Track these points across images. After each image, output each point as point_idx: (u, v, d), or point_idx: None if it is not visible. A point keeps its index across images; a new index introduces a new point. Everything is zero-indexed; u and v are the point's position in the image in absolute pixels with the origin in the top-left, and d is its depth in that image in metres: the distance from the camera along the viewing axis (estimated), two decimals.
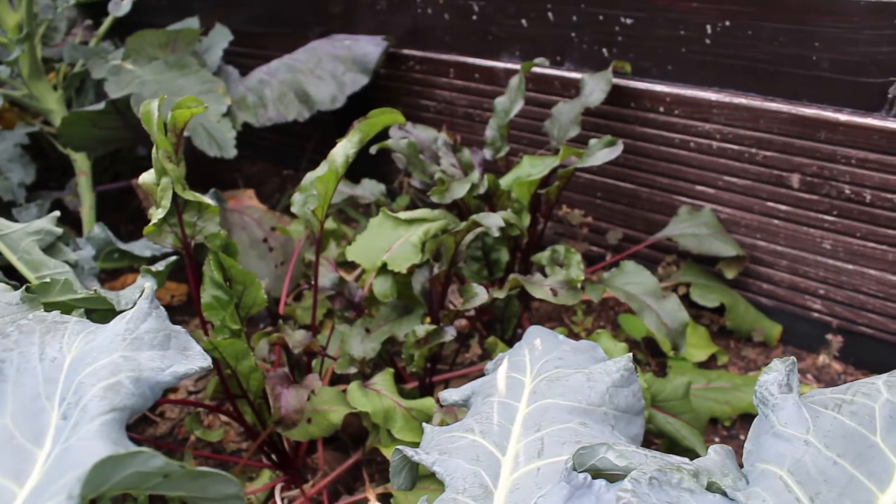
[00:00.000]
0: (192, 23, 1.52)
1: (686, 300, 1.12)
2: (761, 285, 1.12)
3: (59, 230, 1.01)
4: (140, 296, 0.80)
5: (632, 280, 0.95)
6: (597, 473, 0.49)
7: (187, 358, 0.52)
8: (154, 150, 0.82)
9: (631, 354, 0.60)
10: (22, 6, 1.34)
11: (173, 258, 0.95)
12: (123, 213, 1.62)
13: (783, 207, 1.05)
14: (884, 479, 0.48)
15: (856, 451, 0.49)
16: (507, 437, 0.54)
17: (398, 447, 0.54)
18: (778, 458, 0.49)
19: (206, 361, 0.53)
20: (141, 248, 1.08)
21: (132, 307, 0.58)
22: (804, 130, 0.99)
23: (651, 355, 1.10)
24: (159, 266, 0.92)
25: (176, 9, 1.71)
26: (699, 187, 1.11)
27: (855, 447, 0.49)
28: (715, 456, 0.52)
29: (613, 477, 0.49)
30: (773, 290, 1.11)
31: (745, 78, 1.02)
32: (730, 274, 1.10)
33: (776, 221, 1.06)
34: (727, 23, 1.01)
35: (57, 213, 1.02)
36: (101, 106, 1.24)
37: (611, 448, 0.48)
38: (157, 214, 0.84)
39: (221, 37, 1.50)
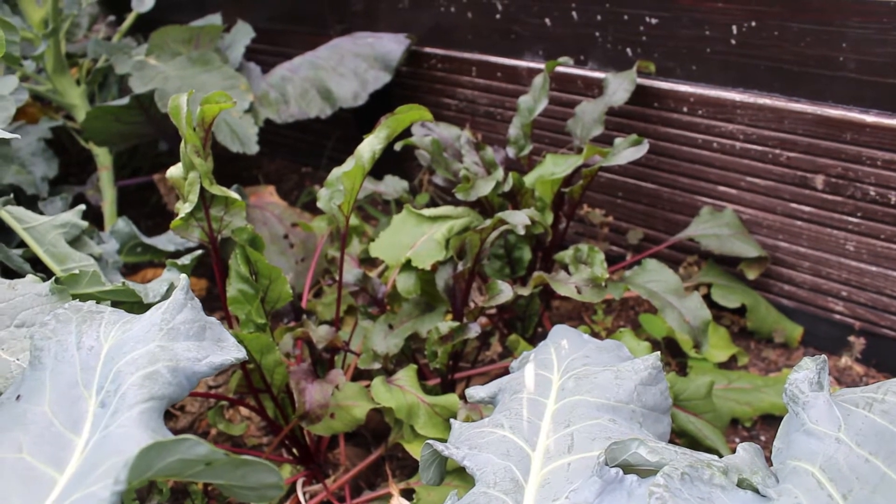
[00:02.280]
0: (215, 19, 1.54)
1: (707, 300, 1.12)
2: (783, 287, 1.12)
3: (85, 223, 1.02)
4: (173, 287, 0.81)
5: (654, 278, 0.95)
6: (628, 469, 0.50)
7: (222, 349, 0.53)
8: (182, 144, 0.83)
9: (658, 353, 0.61)
10: (48, 2, 1.35)
11: (199, 252, 0.96)
12: (143, 207, 1.64)
13: (806, 209, 1.05)
14: None
15: (888, 450, 0.49)
16: (537, 432, 0.55)
17: (428, 441, 0.55)
18: (810, 456, 0.50)
19: (241, 353, 0.54)
20: (164, 242, 1.10)
21: (167, 298, 0.58)
22: (829, 131, 0.99)
23: (671, 355, 1.10)
24: (185, 260, 0.93)
25: (197, 5, 1.72)
26: (721, 188, 1.11)
27: (887, 445, 0.50)
28: (744, 454, 0.53)
29: (644, 473, 0.50)
30: (794, 291, 1.11)
31: (769, 78, 1.02)
32: (751, 275, 1.10)
33: (799, 223, 1.06)
34: (753, 23, 1.01)
35: (82, 207, 1.03)
36: (125, 101, 1.25)
37: (643, 443, 0.49)
38: (184, 209, 0.85)
39: (244, 34, 1.51)
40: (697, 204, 1.14)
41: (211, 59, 1.37)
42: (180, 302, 0.55)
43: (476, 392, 0.64)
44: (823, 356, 0.53)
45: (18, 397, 0.50)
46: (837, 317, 1.08)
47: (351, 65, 1.35)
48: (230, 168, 1.73)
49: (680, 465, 0.47)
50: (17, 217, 0.99)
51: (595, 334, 1.13)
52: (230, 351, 0.53)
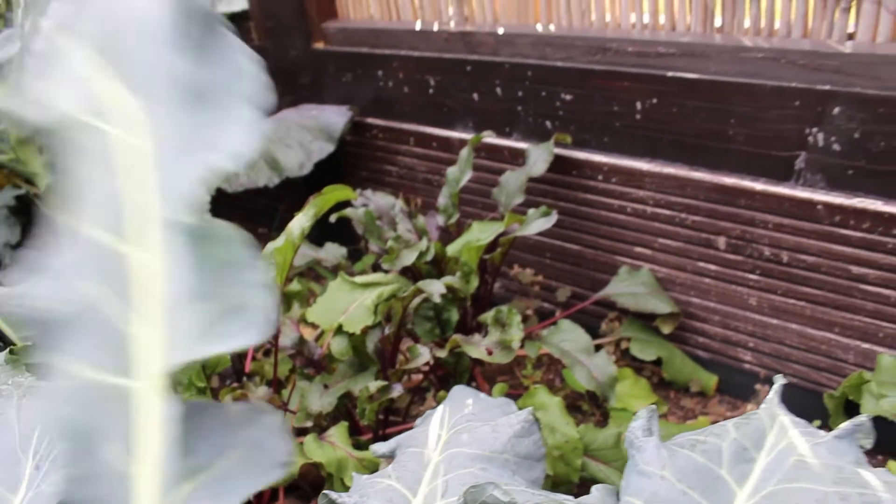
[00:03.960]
0: None
1: (628, 354, 1.24)
2: (697, 339, 1.24)
3: None
4: None
5: (567, 337, 1.08)
6: None
7: None
8: None
9: (531, 409, 0.73)
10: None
11: None
12: None
13: (712, 267, 1.18)
14: (733, 489, 0.60)
15: (704, 484, 0.61)
16: (419, 481, 0.67)
17: (324, 492, 0.66)
18: (639, 492, 0.61)
19: None
20: None
21: None
22: (726, 198, 1.12)
23: (595, 406, 1.22)
24: None
25: None
26: (637, 248, 1.24)
27: (703, 480, 0.61)
28: (597, 493, 0.64)
29: None
30: (707, 343, 1.23)
31: (672, 150, 1.16)
32: (666, 329, 1.22)
33: (707, 280, 1.19)
34: (654, 100, 1.15)
35: None
36: None
37: (497, 486, 0.60)
38: None
39: None
40: (617, 263, 1.27)
41: None
42: None
43: (379, 448, 0.76)
44: (654, 406, 0.65)
45: None
46: (747, 366, 1.20)
47: (297, 136, 1.49)
48: None
49: (527, 502, 0.59)
50: None
51: (524, 388, 1.25)
52: None
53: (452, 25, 1.36)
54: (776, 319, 1.15)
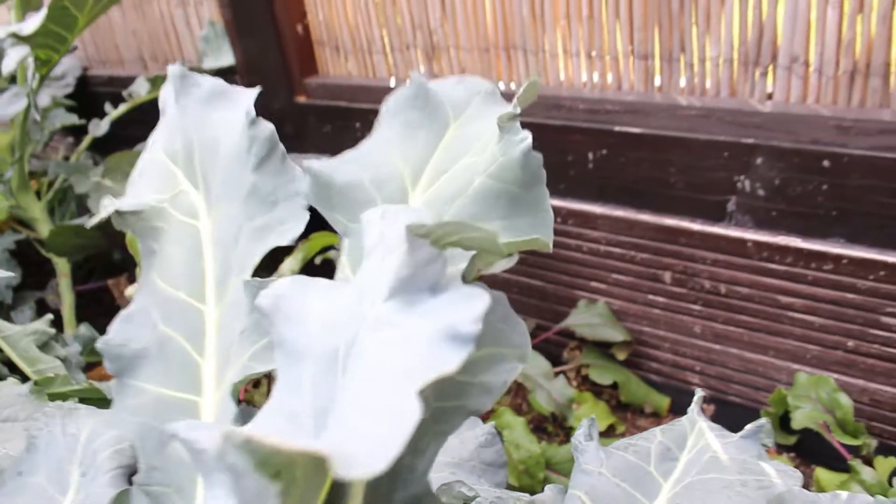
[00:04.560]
0: None
1: (588, 380, 1.39)
2: (650, 364, 1.39)
3: (53, 331, 1.26)
4: None
5: (530, 364, 1.22)
6: None
7: None
8: (138, 269, 1.09)
9: (493, 423, 0.87)
10: (16, 129, 1.62)
11: None
12: (98, 308, 1.87)
13: (661, 299, 1.33)
14: (652, 494, 0.73)
15: (635, 478, 0.75)
16: None
17: None
18: (581, 486, 0.75)
19: None
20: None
21: None
22: (669, 237, 1.28)
23: (559, 428, 1.36)
24: None
25: (146, 122, 2.00)
26: (594, 283, 1.39)
27: (634, 475, 0.75)
28: (548, 491, 0.78)
29: None
30: (659, 367, 1.38)
31: (621, 195, 1.32)
32: (621, 356, 1.37)
33: (656, 311, 1.34)
34: (604, 151, 1.31)
35: (50, 317, 1.27)
36: (84, 219, 1.51)
37: (464, 484, 0.74)
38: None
39: None
40: (576, 297, 1.42)
41: None
42: None
43: None
44: (593, 416, 0.79)
45: (20, 473, 0.74)
46: (694, 387, 1.35)
47: None
48: None
49: (489, 496, 0.72)
50: None
51: (492, 410, 1.39)
52: None
53: None
54: (718, 345, 1.30)
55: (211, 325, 0.61)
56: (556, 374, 1.22)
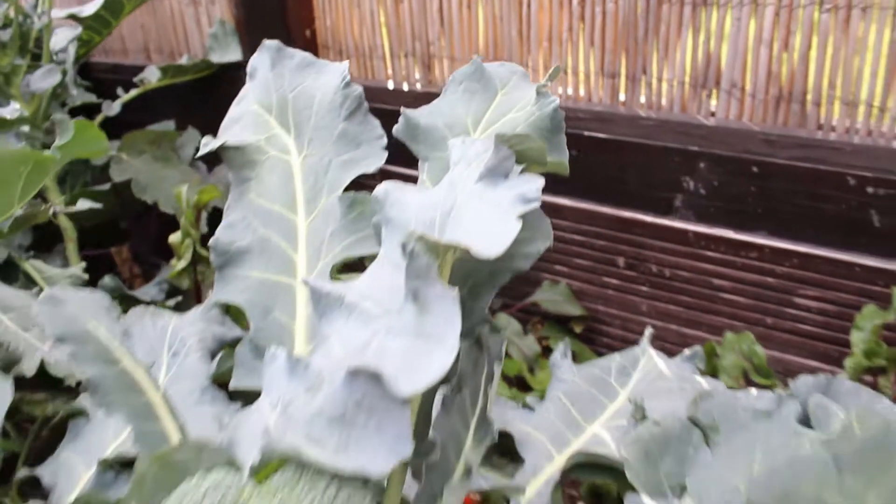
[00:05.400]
0: (170, 125, 2.01)
1: (549, 350, 1.63)
2: (602, 339, 1.64)
3: (86, 276, 1.44)
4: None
5: (503, 325, 1.45)
6: None
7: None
8: (182, 219, 1.29)
9: None
10: (37, 103, 1.79)
11: (179, 298, 1.40)
12: (101, 274, 2.04)
13: (614, 281, 1.58)
14: (613, 396, 0.98)
15: (599, 386, 0.99)
16: None
17: None
18: (558, 389, 0.98)
19: None
20: (143, 294, 1.53)
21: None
22: (624, 227, 1.53)
23: (521, 390, 1.60)
24: (170, 303, 1.37)
25: (151, 108, 2.19)
26: (557, 266, 1.64)
27: (599, 383, 0.99)
28: (529, 399, 1.01)
29: None
30: (610, 342, 1.63)
31: (586, 190, 1.57)
32: (578, 329, 1.62)
33: (610, 291, 1.60)
34: (575, 153, 1.55)
35: (84, 264, 1.46)
36: (106, 187, 1.70)
37: None
38: (180, 265, 1.30)
39: (192, 138, 1.99)
40: (541, 278, 1.66)
41: (170, 157, 1.83)
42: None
43: None
44: (567, 340, 1.03)
45: None
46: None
47: None
48: None
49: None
50: (37, 269, 1.41)
51: None
52: None
53: (419, 87, 1.76)
54: (661, 322, 1.56)
55: (302, 231, 0.84)
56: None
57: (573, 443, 0.91)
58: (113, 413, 0.59)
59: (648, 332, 1.07)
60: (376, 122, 0.83)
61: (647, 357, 1.04)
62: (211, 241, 0.82)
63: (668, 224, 1.48)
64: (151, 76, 1.99)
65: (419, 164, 0.78)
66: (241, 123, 0.89)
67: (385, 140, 0.81)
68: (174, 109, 2.18)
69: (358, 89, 0.83)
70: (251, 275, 0.81)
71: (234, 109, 0.92)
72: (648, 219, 1.50)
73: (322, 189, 0.83)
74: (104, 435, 0.83)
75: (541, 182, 0.57)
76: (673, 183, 1.47)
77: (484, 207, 0.58)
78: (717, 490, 0.63)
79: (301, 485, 0.46)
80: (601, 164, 1.53)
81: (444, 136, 0.75)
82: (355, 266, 0.80)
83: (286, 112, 0.86)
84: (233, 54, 2.01)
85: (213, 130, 2.07)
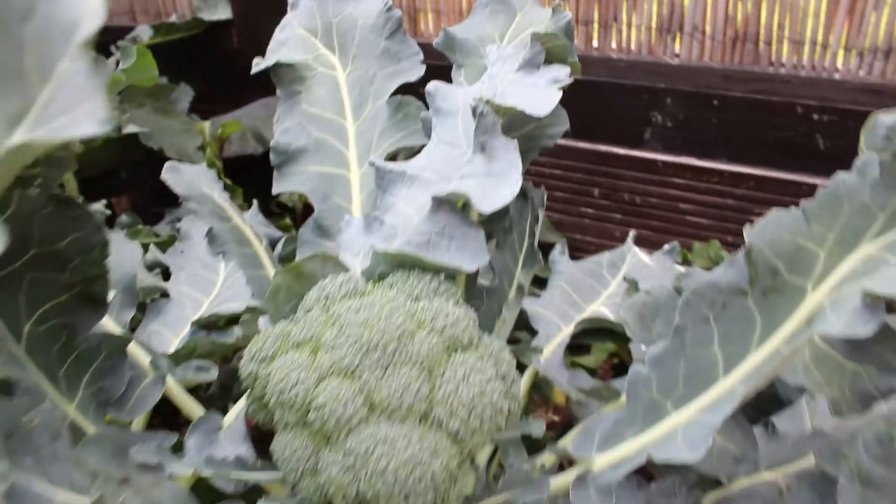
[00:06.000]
0: (163, 81, 2.13)
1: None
2: None
3: (108, 212, 1.56)
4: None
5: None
6: None
7: None
8: (207, 150, 1.43)
9: None
10: None
11: None
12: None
13: (590, 211, 1.76)
14: (605, 283, 1.15)
15: (593, 275, 1.16)
16: None
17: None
18: (559, 278, 1.16)
19: None
20: (159, 230, 1.66)
21: None
22: (599, 160, 1.71)
23: None
24: None
25: None
26: None
27: (593, 273, 1.17)
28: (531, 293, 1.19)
29: None
30: None
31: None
32: None
33: (586, 221, 1.78)
34: None
35: (104, 201, 1.58)
36: (114, 134, 1.82)
37: None
38: None
39: (186, 94, 2.10)
40: None
41: (169, 109, 1.95)
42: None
43: None
44: (564, 241, 1.21)
45: (181, 251, 1.09)
46: None
47: None
48: None
49: None
50: None
51: None
52: None
53: None
54: (634, 246, 1.74)
55: (351, 132, 0.99)
56: None
57: (577, 317, 1.09)
58: (229, 259, 0.74)
59: (632, 233, 1.25)
60: (413, 41, 0.98)
61: (632, 253, 1.22)
62: (272, 143, 0.97)
63: (639, 155, 1.66)
64: (143, 34, 2.10)
65: (453, 71, 0.94)
66: (287, 46, 1.03)
67: (422, 55, 0.97)
68: (163, 68, 2.29)
69: (398, 13, 0.98)
70: (309, 169, 0.96)
71: (279, 35, 1.06)
72: (621, 151, 1.68)
73: (368, 97, 0.98)
74: (184, 311, 0.97)
75: (567, 70, 0.73)
76: (642, 118, 1.65)
77: (526, 87, 0.74)
78: None
79: (410, 279, 0.63)
80: (578, 103, 1.70)
81: (476, 46, 0.91)
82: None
83: (331, 35, 1.01)
84: (222, 13, 2.13)
85: (202, 86, 2.22)
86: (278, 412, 0.58)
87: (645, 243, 1.71)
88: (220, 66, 2.23)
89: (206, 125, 1.41)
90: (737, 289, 0.58)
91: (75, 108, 0.35)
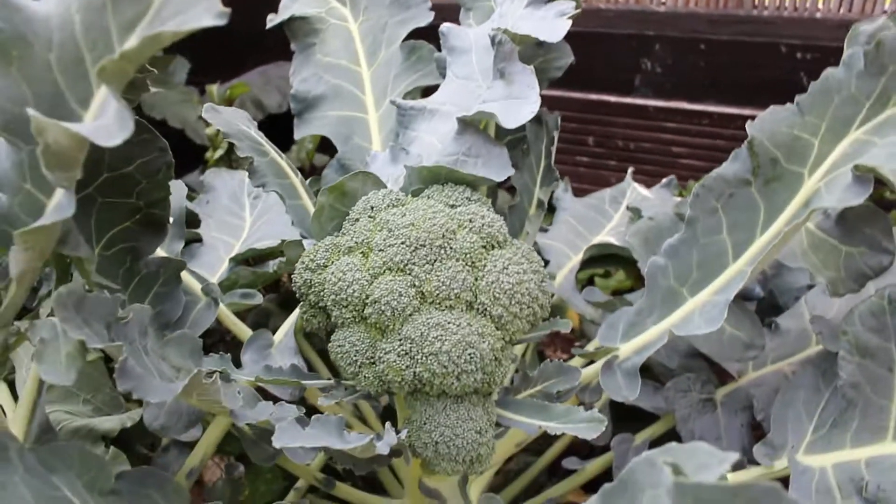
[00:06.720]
0: (159, 53, 2.17)
1: None
2: None
3: None
4: None
5: None
6: None
7: None
8: None
9: None
10: None
11: None
12: None
13: (585, 159, 1.84)
14: (609, 217, 1.23)
15: (596, 209, 1.24)
16: None
17: None
18: (565, 213, 1.23)
19: None
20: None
21: None
22: (592, 108, 1.78)
23: None
24: None
25: None
26: None
27: (596, 208, 1.24)
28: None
29: None
30: None
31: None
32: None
33: (582, 169, 1.85)
34: None
35: None
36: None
37: None
38: (217, 153, 1.50)
39: (183, 66, 2.15)
40: None
41: (168, 80, 2.00)
42: None
43: None
44: (566, 179, 1.28)
45: (207, 201, 1.15)
46: None
47: (276, 83, 2.03)
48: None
49: None
50: None
51: None
52: None
53: None
54: None
55: (366, 78, 1.06)
56: None
57: (584, 246, 1.16)
58: (269, 190, 0.81)
59: (630, 169, 1.32)
60: None
61: (632, 188, 1.30)
62: (291, 92, 1.03)
63: (631, 102, 1.73)
64: None
65: (461, 14, 1.00)
66: (300, 1, 1.09)
67: (430, 2, 1.03)
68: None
69: None
70: (329, 114, 1.03)
71: None
72: (613, 99, 1.75)
73: (381, 44, 1.05)
74: (217, 253, 1.04)
75: (573, 3, 0.80)
76: (633, 65, 1.72)
77: (537, 19, 0.81)
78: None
79: (445, 190, 0.70)
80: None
81: None
82: None
83: None
84: None
85: (196, 59, 2.26)
86: (336, 312, 0.65)
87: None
88: (214, 38, 2.28)
89: (215, 88, 1.47)
90: (742, 179, 0.66)
91: (190, 9, 0.41)
